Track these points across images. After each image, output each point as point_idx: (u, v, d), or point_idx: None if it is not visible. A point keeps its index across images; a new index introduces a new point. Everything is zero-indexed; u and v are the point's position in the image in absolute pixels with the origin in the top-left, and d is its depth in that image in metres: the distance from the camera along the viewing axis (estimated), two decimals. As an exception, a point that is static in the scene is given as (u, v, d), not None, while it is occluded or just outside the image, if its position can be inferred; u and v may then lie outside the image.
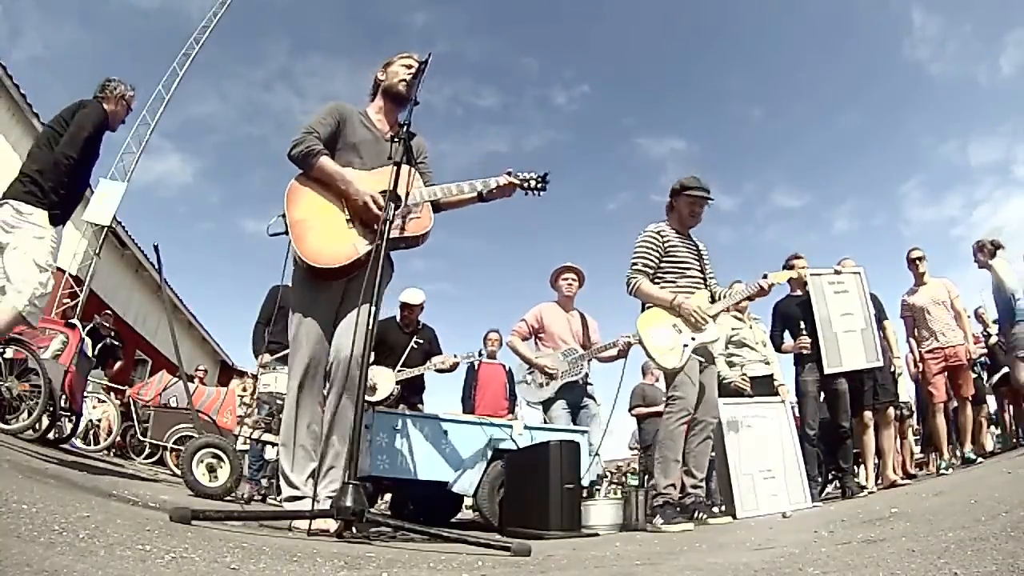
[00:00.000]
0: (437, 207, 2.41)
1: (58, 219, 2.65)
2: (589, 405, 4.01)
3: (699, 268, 3.21)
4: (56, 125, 2.72)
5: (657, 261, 3.12)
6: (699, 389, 3.06)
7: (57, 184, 2.63)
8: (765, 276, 3.25)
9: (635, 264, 3.13)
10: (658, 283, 3.12)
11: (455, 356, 4.34)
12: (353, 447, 1.68)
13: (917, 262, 4.71)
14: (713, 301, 3.17)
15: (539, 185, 2.46)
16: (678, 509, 3.02)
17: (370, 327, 1.83)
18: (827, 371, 3.95)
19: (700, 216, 3.25)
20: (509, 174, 2.41)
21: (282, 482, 2.19)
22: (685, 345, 2.98)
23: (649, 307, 3.11)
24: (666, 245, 3.14)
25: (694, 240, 3.31)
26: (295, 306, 2.24)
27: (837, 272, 4.22)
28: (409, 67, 2.37)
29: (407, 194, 2.15)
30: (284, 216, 2.18)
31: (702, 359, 3.11)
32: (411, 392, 4.31)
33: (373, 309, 1.85)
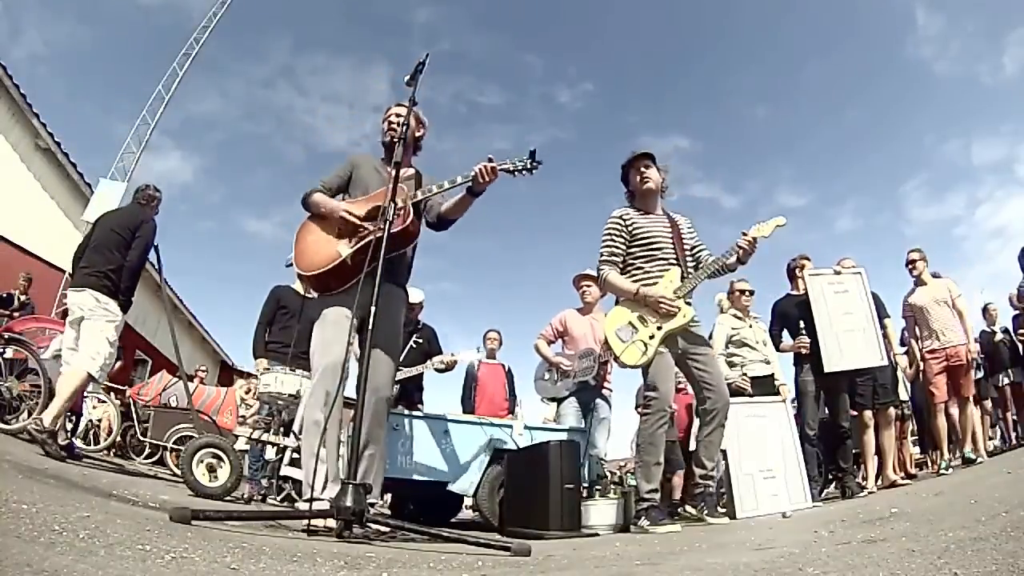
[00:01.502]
0: (442, 220, 2.54)
1: (125, 306, 3.49)
2: (599, 407, 4.05)
3: (672, 245, 3.04)
4: (122, 232, 3.52)
5: (624, 247, 3.03)
6: (705, 376, 2.90)
7: (127, 283, 3.49)
8: (744, 233, 2.90)
9: (602, 255, 3.04)
10: (629, 268, 3.01)
11: (452, 355, 4.36)
12: (353, 447, 1.69)
13: (912, 264, 4.71)
14: (684, 279, 2.95)
15: (528, 165, 2.33)
16: (710, 496, 2.99)
17: (370, 327, 1.84)
18: (827, 369, 3.93)
19: (649, 177, 3.08)
20: (490, 160, 2.33)
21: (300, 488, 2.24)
22: (651, 337, 2.84)
23: (619, 302, 3.01)
24: (632, 228, 3.03)
25: (668, 216, 3.14)
26: (313, 321, 2.39)
27: (837, 272, 4.21)
28: (389, 119, 2.60)
29: (391, 202, 2.19)
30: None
31: (698, 346, 2.93)
32: (411, 391, 4.32)
33: (374, 309, 1.86)
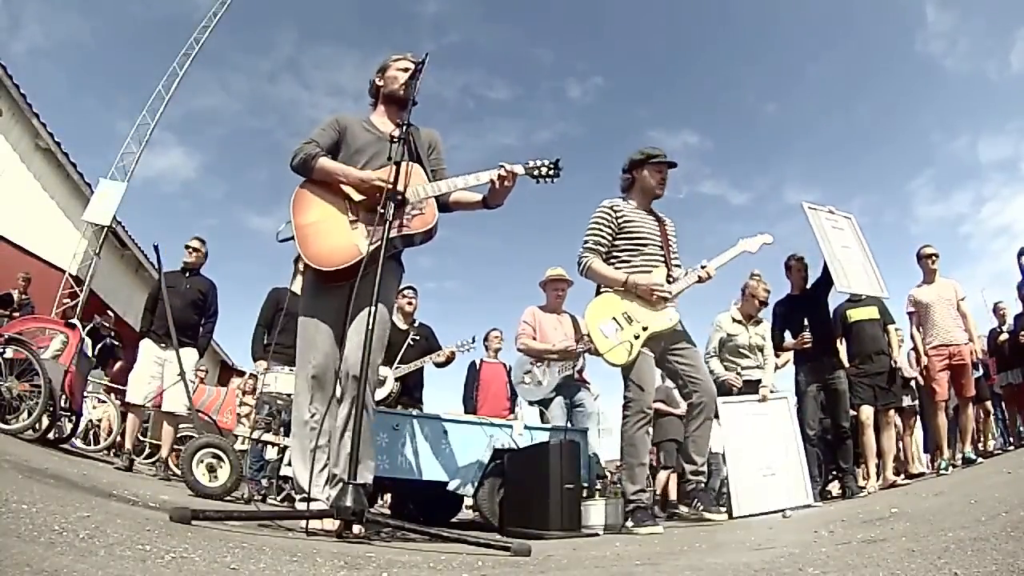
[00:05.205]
0: (444, 207, 2.36)
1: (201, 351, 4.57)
2: (585, 403, 4.04)
3: (660, 245, 2.99)
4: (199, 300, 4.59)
5: (611, 238, 2.95)
6: (689, 371, 2.89)
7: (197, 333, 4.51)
8: (704, 266, 2.99)
9: (586, 242, 2.95)
10: (612, 261, 2.94)
11: (451, 347, 4.36)
12: (353, 448, 1.68)
13: (930, 258, 4.66)
14: (669, 280, 2.94)
15: (550, 172, 2.24)
16: (703, 492, 2.99)
17: (370, 327, 1.83)
18: (838, 288, 3.95)
19: (666, 184, 3.06)
20: (507, 170, 2.21)
21: (296, 488, 2.17)
22: (636, 337, 2.79)
23: (602, 291, 2.94)
24: (620, 221, 2.95)
25: (658, 216, 3.10)
26: (303, 311, 2.22)
27: (831, 212, 4.24)
28: (406, 69, 2.34)
29: (405, 188, 2.11)
30: (291, 223, 2.19)
31: (678, 343, 2.91)
32: (410, 389, 4.32)
33: (373, 310, 1.85)
